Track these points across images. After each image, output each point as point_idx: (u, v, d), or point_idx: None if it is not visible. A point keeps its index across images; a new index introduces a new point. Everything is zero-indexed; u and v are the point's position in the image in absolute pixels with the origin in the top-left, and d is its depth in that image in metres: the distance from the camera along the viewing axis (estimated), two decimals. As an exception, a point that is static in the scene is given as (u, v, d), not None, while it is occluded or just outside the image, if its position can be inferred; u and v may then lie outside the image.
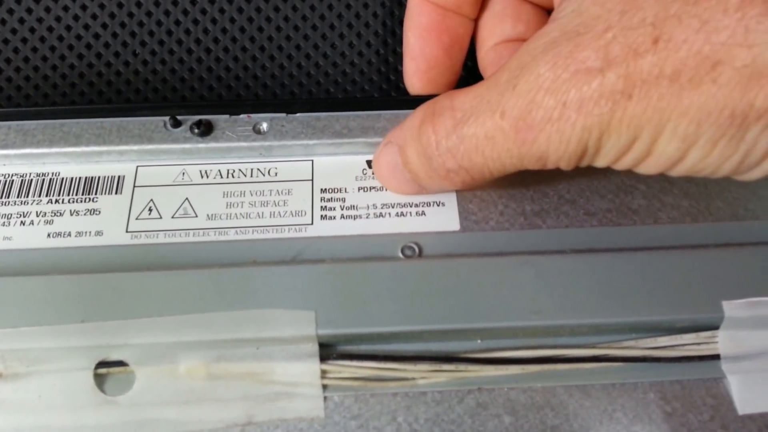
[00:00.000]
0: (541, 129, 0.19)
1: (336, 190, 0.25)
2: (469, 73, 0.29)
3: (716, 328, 0.21)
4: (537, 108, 0.19)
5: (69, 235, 0.24)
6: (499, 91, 0.20)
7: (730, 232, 0.24)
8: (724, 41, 0.17)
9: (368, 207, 0.24)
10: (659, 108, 0.18)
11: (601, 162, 0.20)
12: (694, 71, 0.17)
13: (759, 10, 0.16)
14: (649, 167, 0.20)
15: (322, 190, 0.25)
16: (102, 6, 0.30)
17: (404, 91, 0.28)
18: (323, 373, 0.21)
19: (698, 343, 0.22)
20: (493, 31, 0.26)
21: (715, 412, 0.21)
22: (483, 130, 0.20)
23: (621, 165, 0.20)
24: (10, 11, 0.29)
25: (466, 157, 0.21)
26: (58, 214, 0.24)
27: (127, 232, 0.24)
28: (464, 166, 0.21)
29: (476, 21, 0.26)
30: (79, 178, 0.25)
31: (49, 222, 0.24)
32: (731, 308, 0.21)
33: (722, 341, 0.21)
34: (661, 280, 0.22)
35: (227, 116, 0.26)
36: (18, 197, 0.24)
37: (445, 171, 0.22)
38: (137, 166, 0.25)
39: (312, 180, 0.25)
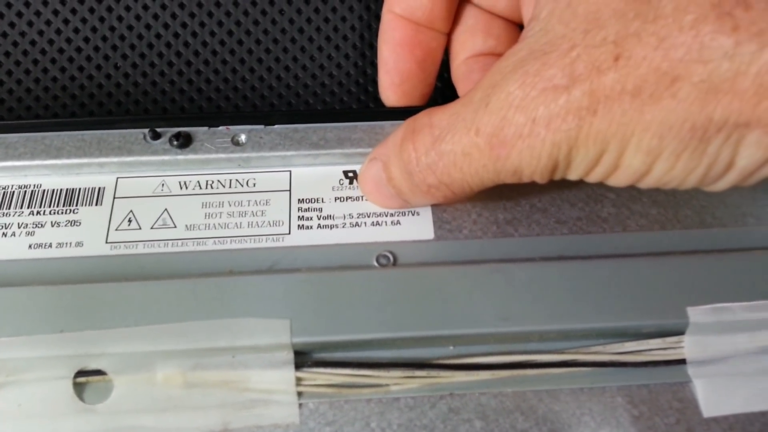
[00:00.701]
0: (513, 145, 0.20)
1: (313, 201, 0.25)
2: (445, 85, 0.30)
3: (682, 333, 0.22)
4: (509, 125, 0.20)
5: (50, 246, 0.24)
6: (473, 109, 0.21)
7: (698, 239, 0.24)
8: (681, 57, 0.18)
9: (344, 217, 0.25)
10: (623, 123, 0.19)
11: (573, 175, 0.21)
12: (654, 87, 0.18)
13: (712, 28, 0.17)
14: (618, 180, 0.21)
15: (299, 200, 0.25)
16: (84, 20, 0.30)
17: (382, 103, 0.28)
18: (298, 380, 0.21)
19: (664, 348, 0.22)
20: (465, 45, 0.27)
21: (681, 416, 0.21)
22: (460, 147, 0.21)
23: (592, 178, 0.21)
24: (-7, 25, 0.30)
25: (445, 173, 0.22)
26: (40, 225, 0.24)
27: (107, 242, 0.24)
28: (444, 182, 0.22)
29: (449, 35, 0.27)
30: (60, 189, 0.25)
31: (30, 233, 0.24)
32: (696, 314, 0.22)
33: (688, 346, 0.22)
34: (628, 287, 0.22)
35: (206, 128, 0.26)
36: (0, 209, 0.25)
37: (426, 186, 0.22)
38: (117, 178, 0.26)
39: (290, 191, 0.25)
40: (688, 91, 0.18)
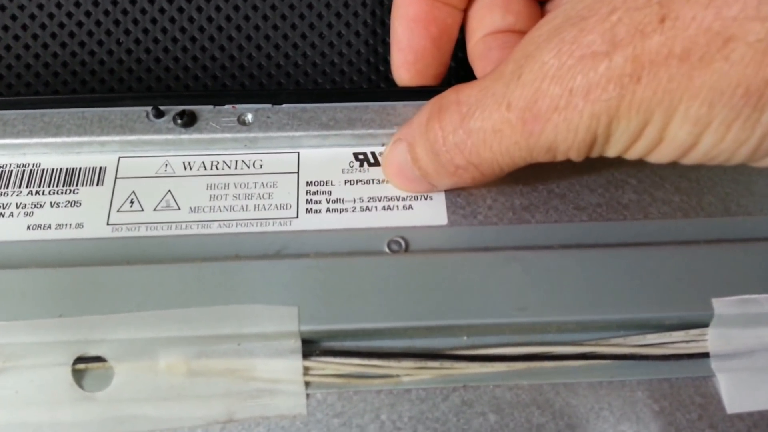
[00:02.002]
0: (548, 119, 0.19)
1: (322, 183, 0.24)
2: (459, 65, 0.29)
3: (706, 325, 0.21)
4: (543, 97, 0.19)
5: (49, 227, 0.23)
6: (504, 83, 0.20)
7: (722, 228, 0.23)
8: (735, 15, 0.16)
9: (354, 200, 0.24)
10: (669, 90, 0.17)
11: (612, 151, 0.20)
12: (704, 49, 0.17)
13: None
14: (661, 155, 0.19)
15: (307, 183, 0.24)
16: (85, -7, 0.29)
17: (393, 83, 0.27)
18: (306, 369, 0.21)
19: (687, 341, 0.21)
20: (483, 21, 0.25)
21: (703, 411, 0.21)
22: (490, 124, 0.20)
23: (632, 154, 0.20)
24: (-8, -2, 0.29)
25: (474, 152, 0.21)
26: (39, 205, 0.24)
27: (108, 224, 0.23)
28: (473, 162, 0.21)
29: (465, 11, 0.26)
30: (60, 169, 0.24)
31: (29, 214, 0.23)
32: (721, 306, 0.21)
33: (712, 339, 0.21)
34: (650, 277, 0.21)
35: (211, 107, 0.25)
36: (-3, 188, 0.24)
37: (454, 167, 0.21)
38: (119, 158, 0.25)
39: (298, 173, 0.25)
40: (743, 52, 0.16)
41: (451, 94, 0.21)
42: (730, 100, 0.17)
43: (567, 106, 0.18)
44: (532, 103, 0.19)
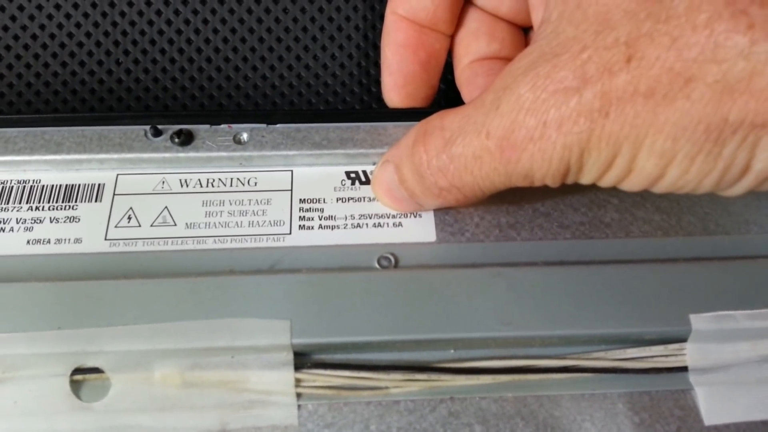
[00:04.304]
0: (524, 148, 0.20)
1: (314, 201, 0.25)
2: (448, 87, 0.29)
3: (684, 340, 0.22)
4: (519, 128, 0.20)
5: (48, 242, 0.24)
6: (484, 112, 0.20)
7: (701, 246, 0.24)
8: (695, 57, 0.17)
9: (346, 217, 0.25)
10: (636, 125, 0.18)
11: (585, 179, 0.21)
12: (667, 88, 0.18)
13: (726, 26, 0.17)
14: (632, 184, 0.20)
15: (300, 200, 0.25)
16: (86, 15, 0.30)
17: (385, 104, 0.28)
18: (297, 381, 0.21)
19: (666, 355, 0.22)
20: (469, 48, 0.26)
21: (682, 423, 0.21)
22: (470, 150, 0.21)
23: (605, 182, 0.21)
24: (-5, 19, 0.30)
25: (456, 176, 0.22)
26: (38, 221, 0.24)
27: (106, 239, 0.24)
28: (455, 185, 0.22)
29: (452, 37, 0.27)
30: (60, 185, 0.25)
31: (29, 229, 0.24)
32: (699, 321, 0.22)
33: (690, 353, 0.22)
34: (631, 293, 0.22)
35: (208, 126, 0.26)
36: (-2, 204, 0.25)
37: (438, 189, 0.22)
38: (117, 175, 0.25)
39: (291, 190, 0.25)
40: (703, 91, 0.17)
41: (435, 120, 0.22)
42: (692, 136, 0.18)
43: (541, 137, 0.19)
44: (510, 132, 0.20)
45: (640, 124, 0.18)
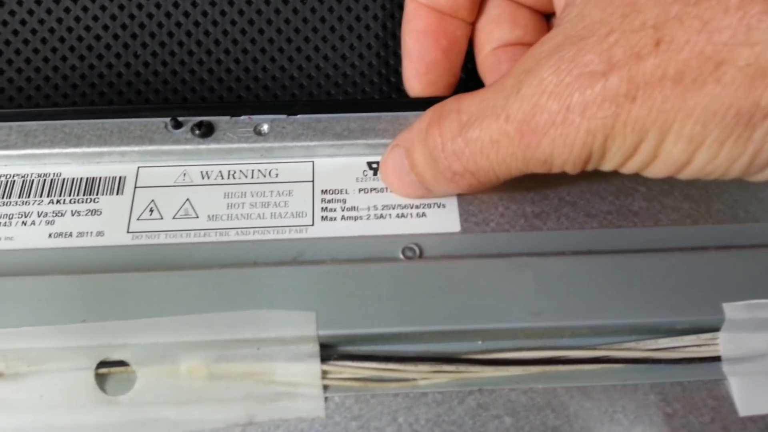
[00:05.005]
0: (545, 133, 0.19)
1: (337, 192, 0.25)
2: (469, 76, 0.29)
3: (717, 330, 0.21)
4: (541, 112, 0.19)
5: (70, 235, 0.24)
6: (504, 95, 0.20)
7: (731, 234, 0.24)
8: (726, 41, 0.17)
9: (369, 208, 0.24)
10: (664, 110, 0.18)
11: (607, 166, 0.20)
12: (697, 72, 0.17)
13: (760, 8, 0.16)
14: (656, 170, 0.20)
15: (322, 191, 0.25)
16: (103, 8, 0.30)
17: (405, 93, 0.28)
18: (324, 373, 0.21)
19: (699, 345, 0.22)
20: (491, 35, 0.26)
21: (715, 414, 0.21)
22: (488, 134, 0.20)
23: (628, 169, 0.20)
24: (12, 13, 0.30)
25: (471, 161, 0.21)
26: (60, 214, 0.24)
27: (128, 232, 0.24)
28: (470, 169, 0.21)
29: (474, 25, 0.27)
30: (81, 178, 0.25)
31: (50, 222, 0.24)
32: (732, 310, 0.21)
33: (723, 343, 0.21)
34: (661, 282, 0.22)
35: (228, 117, 0.26)
36: (19, 197, 0.24)
37: (451, 174, 0.22)
38: (138, 167, 0.25)
39: (313, 181, 0.25)
40: (734, 75, 0.17)
41: (451, 103, 0.22)
42: (722, 120, 0.18)
43: (564, 121, 0.19)
44: (530, 116, 0.19)
45: (669, 109, 0.18)
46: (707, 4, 0.17)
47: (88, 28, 0.30)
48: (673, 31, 0.18)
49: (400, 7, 0.30)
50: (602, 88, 0.18)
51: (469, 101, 0.21)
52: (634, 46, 0.18)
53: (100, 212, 0.24)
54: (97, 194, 0.25)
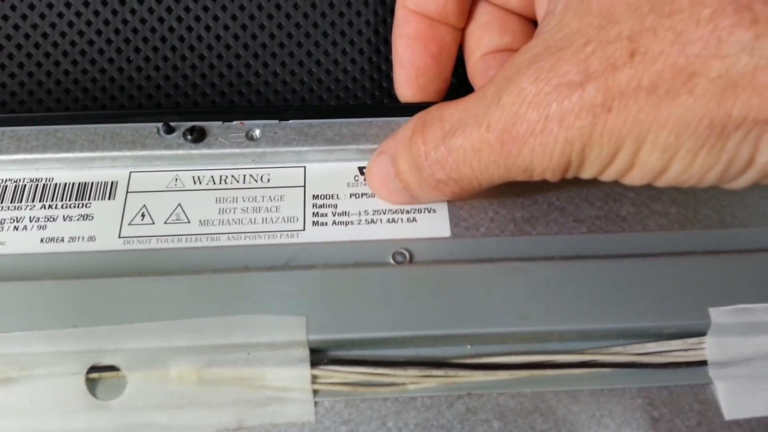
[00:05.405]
0: (524, 142, 0.20)
1: (328, 197, 0.25)
2: (460, 81, 0.29)
3: (703, 334, 0.22)
4: (521, 121, 0.19)
5: (62, 240, 0.24)
6: (486, 104, 0.20)
7: (718, 239, 0.24)
8: (698, 53, 0.17)
9: (360, 213, 0.25)
10: (639, 120, 0.18)
11: (586, 174, 0.21)
12: (671, 83, 0.18)
13: (730, 21, 0.17)
14: (634, 178, 0.20)
15: (314, 196, 0.25)
16: (96, 13, 0.30)
17: (396, 99, 0.28)
18: (314, 378, 0.21)
19: (685, 350, 0.22)
20: (480, 41, 0.26)
21: (702, 418, 0.21)
22: (470, 143, 0.21)
23: (606, 176, 0.20)
24: (5, 17, 0.30)
25: (454, 168, 0.21)
26: (52, 219, 0.24)
27: (119, 237, 0.24)
28: (453, 177, 0.22)
29: (464, 31, 0.27)
30: (73, 183, 0.25)
31: (42, 227, 0.24)
32: (718, 315, 0.21)
33: (709, 347, 0.22)
34: (648, 287, 0.22)
35: (220, 123, 0.26)
36: (11, 202, 0.24)
37: (435, 181, 0.22)
38: (130, 172, 0.25)
39: (304, 186, 0.25)
40: (706, 86, 0.17)
41: (435, 111, 0.22)
42: (695, 131, 0.18)
43: (543, 131, 0.19)
44: (511, 125, 0.20)
45: (643, 119, 0.18)
46: (680, 16, 0.17)
47: (81, 33, 0.30)
48: (647, 43, 0.18)
49: (393, 12, 0.30)
50: (579, 98, 0.18)
51: (452, 110, 0.21)
52: (610, 56, 0.18)
53: (92, 217, 0.24)
54: (89, 199, 0.25)
